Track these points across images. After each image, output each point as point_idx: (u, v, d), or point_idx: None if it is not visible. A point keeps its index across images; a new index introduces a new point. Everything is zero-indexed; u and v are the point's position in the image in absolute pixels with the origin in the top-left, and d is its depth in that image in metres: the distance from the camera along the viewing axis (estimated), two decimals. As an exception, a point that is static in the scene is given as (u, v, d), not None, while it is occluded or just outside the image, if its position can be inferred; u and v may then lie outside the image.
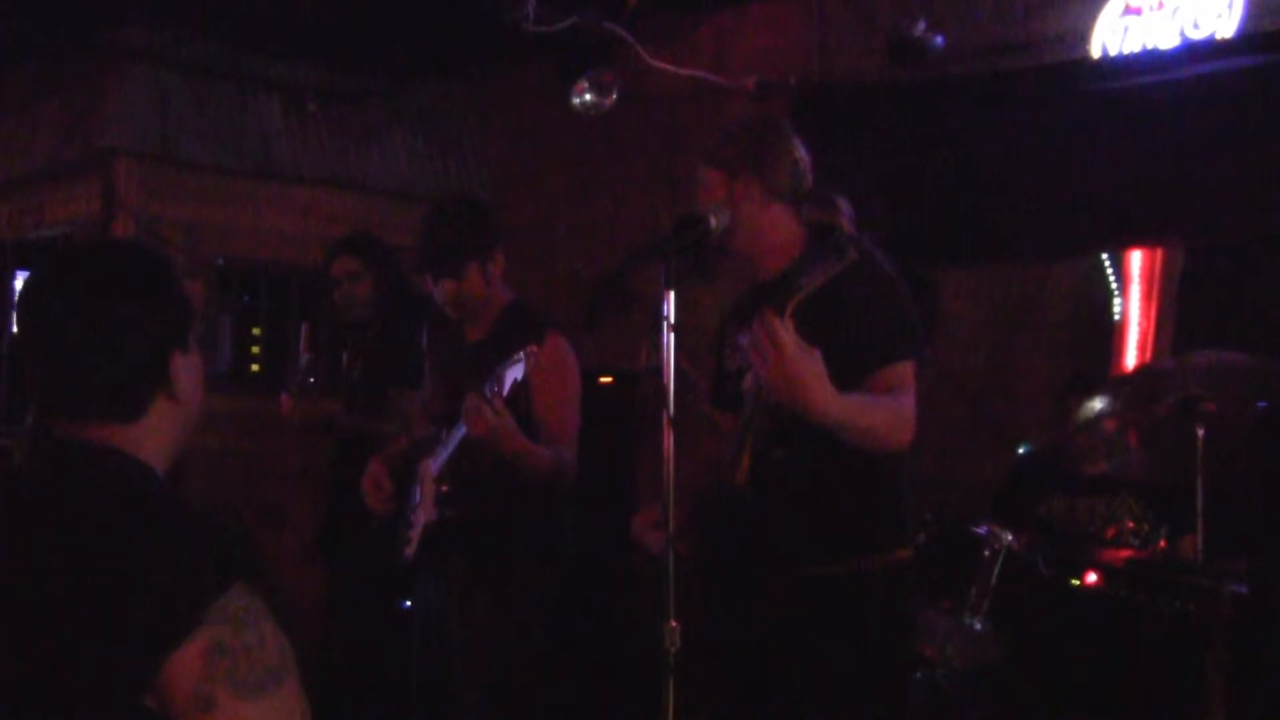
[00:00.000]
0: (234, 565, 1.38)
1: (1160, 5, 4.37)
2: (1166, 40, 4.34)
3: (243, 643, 1.34)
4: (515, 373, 2.82)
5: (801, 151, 2.59)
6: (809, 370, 2.16)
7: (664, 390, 2.26)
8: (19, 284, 6.14)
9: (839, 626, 2.46)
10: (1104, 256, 4.67)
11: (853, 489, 2.48)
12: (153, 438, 1.51)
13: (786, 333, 2.13)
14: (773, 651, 2.51)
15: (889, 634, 2.52)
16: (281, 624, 1.41)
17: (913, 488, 2.59)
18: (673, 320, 2.26)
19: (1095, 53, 4.50)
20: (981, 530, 3.66)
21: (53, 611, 1.34)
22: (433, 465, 3.18)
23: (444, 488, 3.13)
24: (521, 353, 2.83)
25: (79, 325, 1.46)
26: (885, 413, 2.36)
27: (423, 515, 3.19)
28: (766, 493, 2.43)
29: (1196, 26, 4.28)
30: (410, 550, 3.20)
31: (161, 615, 1.31)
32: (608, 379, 5.05)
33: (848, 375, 2.29)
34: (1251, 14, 4.18)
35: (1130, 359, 4.58)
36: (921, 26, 4.63)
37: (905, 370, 2.43)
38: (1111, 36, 4.47)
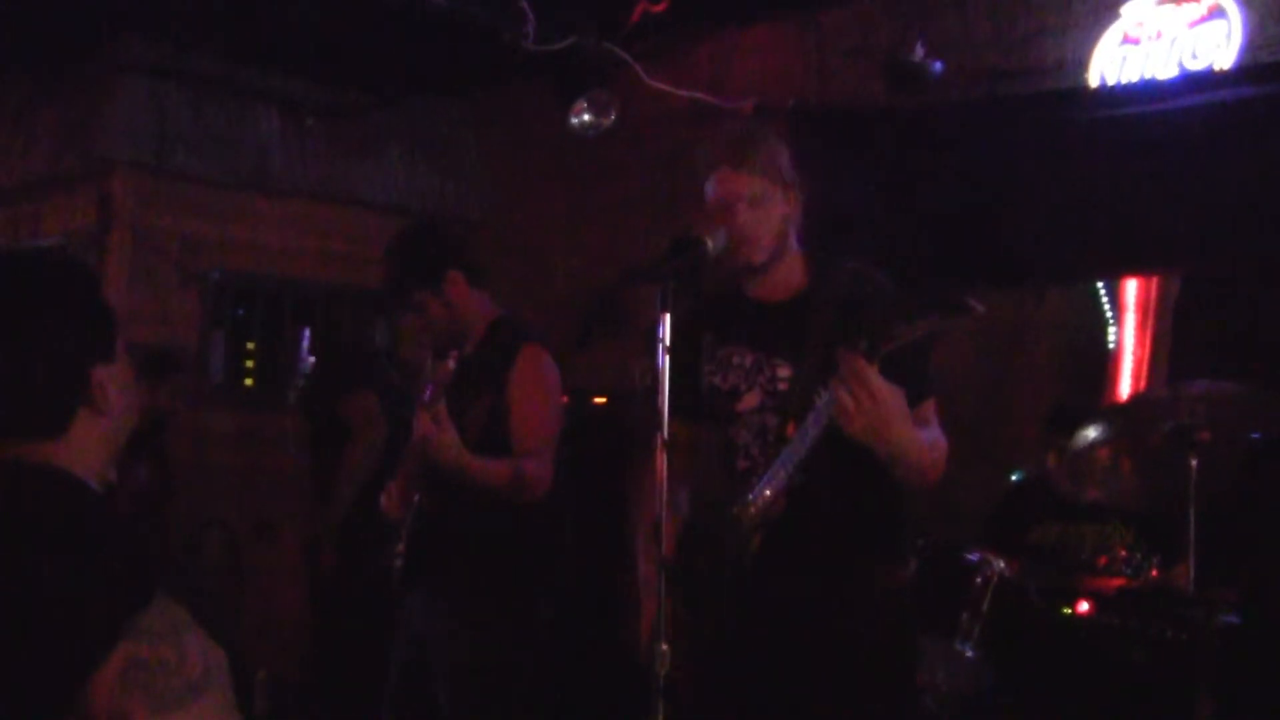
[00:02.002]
0: (155, 578, 1.34)
1: (1159, 35, 4.38)
2: (1165, 70, 4.36)
3: (159, 657, 1.30)
4: (440, 377, 2.83)
5: None
6: (898, 412, 2.18)
7: (658, 412, 2.26)
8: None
9: (850, 643, 2.45)
10: (1099, 285, 4.68)
11: (868, 508, 2.48)
12: (79, 451, 1.46)
13: (877, 377, 2.13)
14: (779, 667, 2.49)
15: (900, 651, 2.54)
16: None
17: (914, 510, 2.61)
18: (667, 343, 2.25)
19: (1094, 81, 4.51)
20: (973, 557, 3.65)
21: None
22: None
23: (417, 496, 3.13)
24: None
25: None
26: (937, 452, 2.40)
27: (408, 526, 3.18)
28: (785, 515, 2.42)
29: (1195, 57, 4.30)
30: (399, 563, 3.19)
31: (79, 636, 1.28)
32: (601, 399, 5.04)
33: None
34: (1249, 45, 4.20)
35: (1124, 388, 4.57)
36: (920, 52, 4.64)
37: (933, 406, 2.47)
38: (1110, 65, 4.48)
